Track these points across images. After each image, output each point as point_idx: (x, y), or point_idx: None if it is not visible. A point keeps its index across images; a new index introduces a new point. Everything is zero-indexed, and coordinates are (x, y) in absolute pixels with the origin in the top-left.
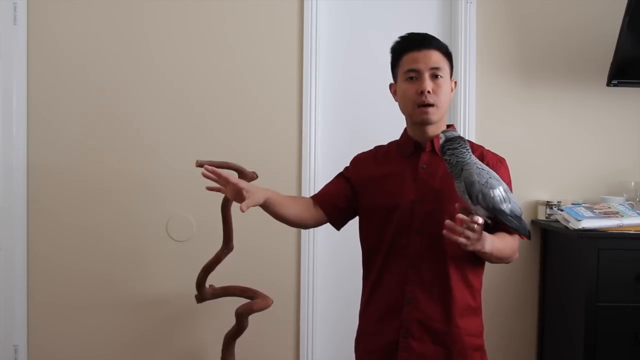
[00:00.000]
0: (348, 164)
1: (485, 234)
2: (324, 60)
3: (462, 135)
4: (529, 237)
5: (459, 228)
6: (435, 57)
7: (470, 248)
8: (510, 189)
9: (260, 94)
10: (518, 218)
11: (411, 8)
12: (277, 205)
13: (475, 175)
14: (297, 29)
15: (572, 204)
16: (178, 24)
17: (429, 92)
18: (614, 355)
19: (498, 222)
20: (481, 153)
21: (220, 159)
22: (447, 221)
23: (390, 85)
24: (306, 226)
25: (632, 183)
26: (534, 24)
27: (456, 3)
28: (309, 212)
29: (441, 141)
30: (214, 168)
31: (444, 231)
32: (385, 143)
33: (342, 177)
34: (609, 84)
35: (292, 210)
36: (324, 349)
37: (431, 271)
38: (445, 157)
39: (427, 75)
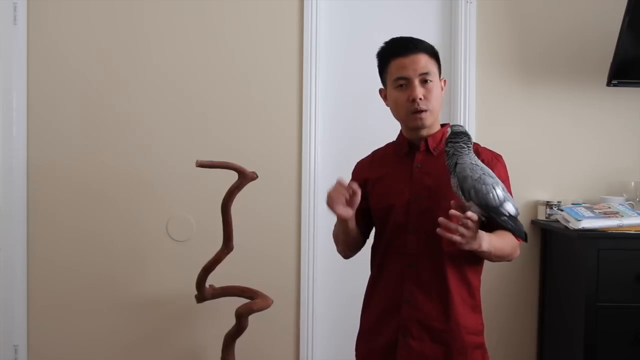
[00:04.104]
0: (350, 175)
1: (481, 232)
2: (324, 60)
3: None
4: (525, 239)
5: (452, 225)
6: (423, 62)
7: (467, 247)
8: (508, 186)
9: (260, 94)
10: (514, 218)
11: (411, 8)
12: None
13: (468, 171)
14: (297, 29)
15: (572, 204)
16: (178, 24)
17: (420, 99)
18: (614, 355)
19: (493, 220)
20: (476, 150)
21: (220, 159)
22: (441, 218)
23: (380, 90)
24: (359, 246)
25: (632, 183)
26: (534, 23)
27: (456, 3)
28: (359, 233)
29: (447, 134)
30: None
31: (438, 229)
32: (384, 143)
33: None
34: (609, 84)
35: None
36: (324, 349)
37: (429, 270)
38: (446, 149)
39: (417, 82)
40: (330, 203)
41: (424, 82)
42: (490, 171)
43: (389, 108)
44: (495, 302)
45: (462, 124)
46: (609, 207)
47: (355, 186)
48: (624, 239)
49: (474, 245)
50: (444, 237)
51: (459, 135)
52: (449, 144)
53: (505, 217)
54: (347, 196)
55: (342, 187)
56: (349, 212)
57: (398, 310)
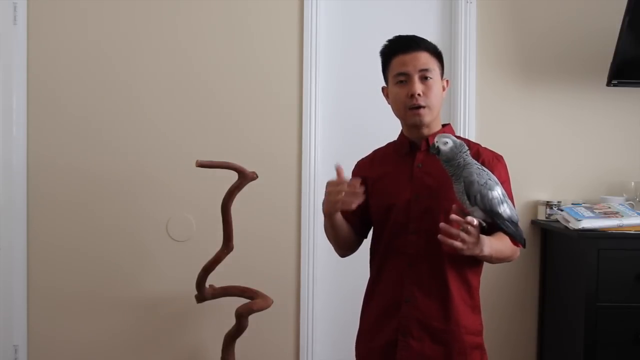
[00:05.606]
0: (350, 175)
1: (482, 236)
2: (324, 60)
3: (461, 135)
4: (524, 245)
5: (454, 230)
6: (424, 59)
7: (468, 253)
8: (509, 187)
9: (260, 94)
10: (515, 224)
11: (411, 8)
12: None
13: (475, 175)
14: (297, 29)
15: (572, 204)
16: (178, 23)
17: (419, 94)
18: (614, 355)
19: (494, 225)
20: (477, 150)
21: (220, 159)
22: (442, 224)
23: (383, 89)
24: (353, 245)
25: (632, 183)
26: (534, 23)
27: (456, 3)
28: (351, 231)
29: (447, 146)
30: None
31: (440, 235)
32: (384, 143)
33: None
34: (608, 84)
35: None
36: (324, 349)
37: (429, 270)
38: (454, 163)
39: (416, 78)
40: (332, 205)
41: (424, 79)
42: (494, 176)
43: (390, 106)
44: (496, 302)
45: (446, 135)
46: (609, 207)
47: (358, 183)
48: (624, 239)
49: (476, 251)
50: (445, 244)
51: (462, 146)
52: (464, 155)
53: (507, 223)
54: (357, 190)
55: (342, 184)
56: (351, 204)
57: (398, 309)
